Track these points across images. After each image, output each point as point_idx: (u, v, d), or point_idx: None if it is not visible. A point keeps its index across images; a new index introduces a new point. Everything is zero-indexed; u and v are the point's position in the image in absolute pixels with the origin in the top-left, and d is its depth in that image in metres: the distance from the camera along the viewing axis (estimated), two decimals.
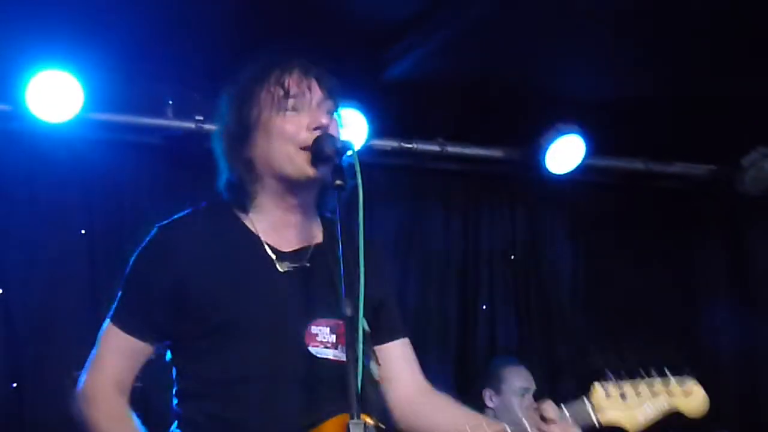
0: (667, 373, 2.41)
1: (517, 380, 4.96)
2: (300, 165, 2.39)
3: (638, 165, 6.16)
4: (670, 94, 5.44)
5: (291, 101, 2.42)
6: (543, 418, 2.33)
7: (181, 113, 5.21)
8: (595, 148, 5.78)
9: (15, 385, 4.87)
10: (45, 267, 5.03)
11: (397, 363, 2.61)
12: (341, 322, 2.17)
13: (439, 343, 5.82)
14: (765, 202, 6.22)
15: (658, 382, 2.40)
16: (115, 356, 2.46)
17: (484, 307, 5.93)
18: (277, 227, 2.48)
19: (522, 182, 6.11)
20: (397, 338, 2.64)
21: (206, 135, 5.13)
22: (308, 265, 2.45)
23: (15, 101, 4.83)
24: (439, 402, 2.61)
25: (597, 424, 2.36)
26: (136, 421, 2.44)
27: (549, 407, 2.34)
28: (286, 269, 2.43)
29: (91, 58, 4.86)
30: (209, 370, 2.36)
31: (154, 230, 2.49)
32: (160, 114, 5.23)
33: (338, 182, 2.26)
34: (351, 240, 2.22)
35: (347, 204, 2.28)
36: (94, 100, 4.92)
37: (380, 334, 2.56)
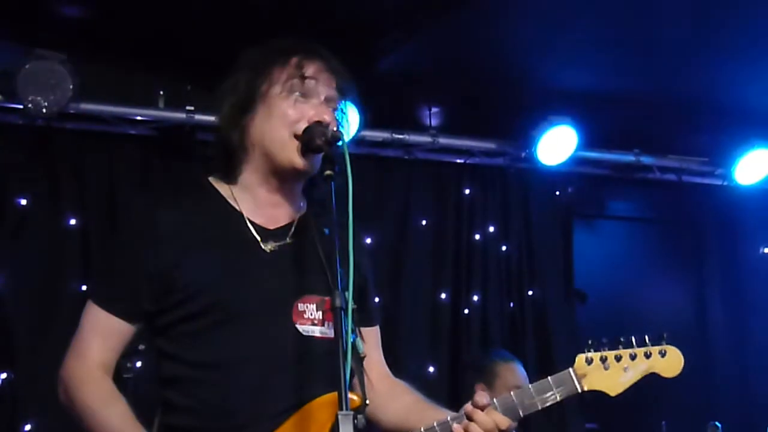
0: (646, 340, 2.52)
1: (511, 377, 4.95)
2: (290, 154, 2.40)
3: (630, 157, 6.17)
4: (663, 86, 5.44)
5: (304, 88, 2.43)
6: (475, 405, 2.41)
7: (173, 104, 5.21)
8: (587, 139, 5.78)
9: (7, 376, 4.86)
10: (37, 258, 5.03)
11: (368, 349, 2.62)
12: (327, 298, 2.17)
13: (432, 335, 5.83)
14: (757, 193, 6.24)
15: (636, 348, 2.51)
16: (99, 338, 2.43)
17: (475, 297, 5.93)
18: (261, 205, 2.48)
19: (514, 173, 6.11)
20: (373, 325, 2.68)
21: (197, 125, 5.14)
22: (293, 240, 2.46)
23: (7, 91, 4.81)
24: (395, 390, 2.66)
25: (580, 390, 2.46)
26: (125, 402, 2.41)
27: (481, 396, 2.42)
28: (271, 248, 2.43)
29: (83, 48, 4.84)
30: (196, 353, 2.35)
31: (137, 211, 2.49)
32: (151, 104, 5.22)
33: (328, 172, 2.26)
34: (340, 229, 2.21)
35: (337, 193, 2.27)
36: (84, 91, 4.90)
37: (360, 318, 2.54)
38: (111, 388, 2.42)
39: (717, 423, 4.77)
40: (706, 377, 6.08)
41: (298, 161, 2.40)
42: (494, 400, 2.44)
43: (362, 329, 2.54)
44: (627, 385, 2.49)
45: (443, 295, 5.89)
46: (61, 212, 5.11)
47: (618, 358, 2.48)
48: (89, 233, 5.13)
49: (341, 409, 1.95)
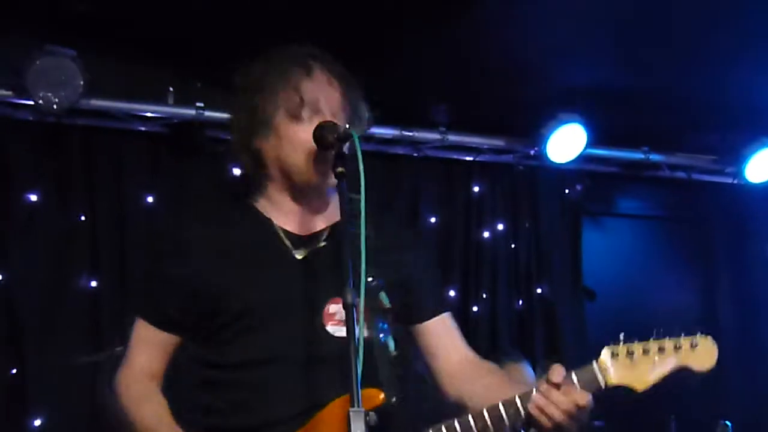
0: (678, 333, 2.35)
1: (520, 379, 4.94)
2: (309, 177, 2.43)
3: (639, 155, 6.15)
4: (673, 83, 5.43)
5: (307, 109, 2.43)
6: (548, 382, 2.29)
7: (182, 100, 5.21)
8: (596, 137, 5.77)
9: (16, 371, 4.87)
10: (46, 254, 5.04)
11: (439, 339, 2.62)
12: (358, 299, 2.18)
13: None
14: (767, 191, 6.22)
15: (666, 340, 2.34)
16: (143, 348, 2.53)
17: (484, 295, 5.92)
18: (291, 213, 2.51)
19: (523, 171, 6.10)
20: (437, 315, 2.63)
21: (207, 122, 5.14)
22: (325, 245, 2.48)
23: (18, 87, 4.82)
24: (475, 372, 2.60)
25: (604, 386, 2.31)
26: (163, 401, 2.50)
27: (555, 371, 2.29)
28: (302, 255, 2.46)
29: (93, 45, 4.85)
30: (231, 358, 2.40)
31: (171, 223, 2.53)
32: (161, 101, 5.23)
33: (340, 169, 2.27)
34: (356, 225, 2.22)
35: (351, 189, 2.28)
36: (95, 87, 4.91)
37: (418, 313, 2.59)
38: (149, 387, 2.51)
39: (727, 422, 4.76)
40: (715, 375, 6.06)
41: (314, 179, 2.43)
42: (572, 374, 2.30)
43: (428, 323, 2.58)
44: (655, 380, 2.31)
45: (452, 293, 5.88)
46: (70, 208, 5.12)
47: (646, 351, 2.31)
48: (98, 229, 5.15)
49: (353, 406, 1.96)
